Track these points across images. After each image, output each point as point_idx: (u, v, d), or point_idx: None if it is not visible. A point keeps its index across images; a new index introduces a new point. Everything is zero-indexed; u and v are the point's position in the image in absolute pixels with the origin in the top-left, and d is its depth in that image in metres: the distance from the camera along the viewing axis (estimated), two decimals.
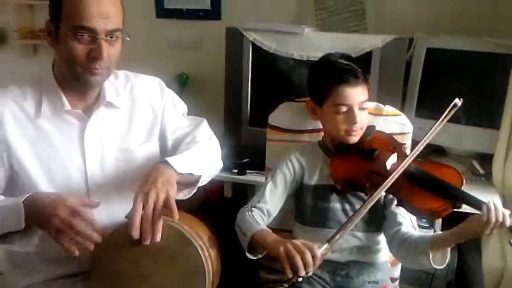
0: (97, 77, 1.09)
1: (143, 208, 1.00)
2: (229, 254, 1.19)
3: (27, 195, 1.04)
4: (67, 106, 1.13)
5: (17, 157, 1.11)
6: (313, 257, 0.96)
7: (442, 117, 1.14)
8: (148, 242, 1.00)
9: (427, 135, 1.13)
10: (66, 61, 1.08)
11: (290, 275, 0.97)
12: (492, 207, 0.98)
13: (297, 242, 0.99)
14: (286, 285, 0.99)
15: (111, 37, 1.07)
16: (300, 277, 0.96)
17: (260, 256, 1.09)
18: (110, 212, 1.15)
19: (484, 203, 1.00)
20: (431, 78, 1.68)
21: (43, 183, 1.12)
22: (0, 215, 1.03)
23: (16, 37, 2.38)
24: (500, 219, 0.97)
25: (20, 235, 1.05)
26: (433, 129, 1.13)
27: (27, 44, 2.38)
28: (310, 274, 0.97)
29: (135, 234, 0.99)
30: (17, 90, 1.14)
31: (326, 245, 1.01)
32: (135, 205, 1.00)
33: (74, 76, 1.09)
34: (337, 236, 1.04)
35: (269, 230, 1.11)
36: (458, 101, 1.14)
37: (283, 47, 1.70)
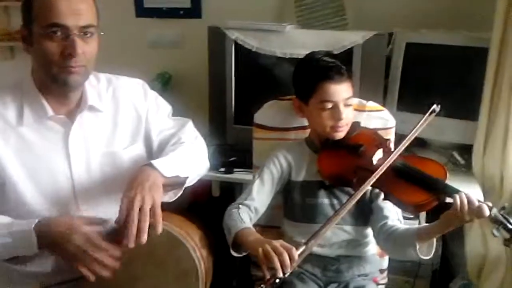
0: (75, 75, 1.07)
1: (129, 214, 0.99)
2: (220, 252, 1.20)
3: (37, 220, 1.03)
4: (50, 112, 1.12)
5: (2, 166, 1.09)
6: (291, 258, 0.97)
7: (421, 122, 1.19)
8: (133, 245, 0.99)
9: (408, 137, 1.17)
10: (42, 63, 1.06)
11: (268, 276, 0.98)
12: (464, 198, 1.01)
13: (276, 243, 1.00)
14: (263, 286, 0.99)
15: (85, 34, 1.06)
16: (278, 278, 0.97)
17: (244, 253, 1.10)
18: (96, 214, 1.13)
19: (458, 194, 1.03)
20: (411, 72, 1.71)
21: (29, 191, 1.11)
22: (12, 240, 1.02)
23: None
24: (473, 209, 1.00)
25: (33, 259, 1.06)
26: (412, 133, 1.18)
27: (3, 46, 2.32)
28: (287, 275, 0.98)
29: (126, 240, 0.98)
30: None
31: (303, 247, 1.03)
32: (121, 211, 1.00)
33: (52, 78, 1.07)
34: (322, 231, 1.06)
35: (252, 229, 1.12)
36: (436, 107, 1.20)
37: (265, 45, 1.70)
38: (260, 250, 0.99)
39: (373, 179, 1.09)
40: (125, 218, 0.99)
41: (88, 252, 0.98)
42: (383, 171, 1.10)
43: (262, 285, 0.99)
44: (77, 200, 1.14)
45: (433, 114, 1.20)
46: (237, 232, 1.09)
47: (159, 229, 1.01)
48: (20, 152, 1.10)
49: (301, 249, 1.02)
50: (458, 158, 1.69)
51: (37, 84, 1.12)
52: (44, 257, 1.09)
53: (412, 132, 1.18)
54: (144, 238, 1.00)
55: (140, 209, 1.00)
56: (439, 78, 1.66)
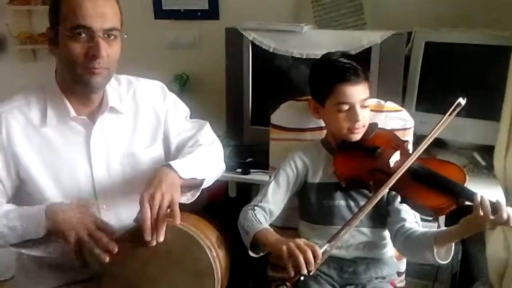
0: (97, 77, 1.09)
1: (148, 211, 1.02)
2: (236, 252, 1.20)
3: (46, 204, 1.07)
4: (72, 113, 1.14)
5: (24, 166, 1.12)
6: (315, 256, 0.98)
7: (445, 116, 1.14)
8: (151, 241, 1.02)
9: (430, 134, 1.14)
10: (67, 64, 1.09)
11: (292, 274, 0.98)
12: (487, 205, 0.99)
13: (299, 241, 1.01)
14: (288, 284, 1.01)
15: (108, 36, 1.08)
16: (302, 275, 0.98)
17: (262, 254, 1.11)
18: (117, 215, 1.17)
19: (483, 200, 1.00)
20: (431, 72, 1.68)
21: (51, 190, 1.14)
22: (22, 222, 1.06)
23: (15, 43, 2.38)
24: (497, 218, 0.97)
25: (40, 242, 1.08)
26: (436, 128, 1.14)
27: (26, 49, 2.37)
28: (312, 273, 0.99)
29: (148, 237, 1.01)
30: (22, 100, 1.15)
31: (327, 245, 1.03)
32: (143, 209, 1.02)
33: (75, 79, 1.10)
34: (341, 234, 1.06)
35: (271, 229, 1.13)
36: (462, 101, 1.15)
37: (283, 45, 1.70)
38: (285, 248, 1.00)
39: (392, 180, 1.08)
40: (144, 215, 1.01)
41: (93, 232, 1.03)
42: (402, 173, 1.08)
43: (286, 283, 1.01)
44: (97, 199, 1.17)
45: (459, 108, 1.15)
46: (256, 233, 1.09)
47: (178, 221, 1.04)
48: (43, 152, 1.13)
49: (324, 247, 1.02)
50: (479, 159, 1.66)
51: (61, 85, 1.15)
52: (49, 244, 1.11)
53: (436, 128, 1.14)
54: (161, 237, 1.02)
55: (159, 207, 1.02)
56: (460, 77, 1.63)
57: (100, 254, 1.02)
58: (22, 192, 1.16)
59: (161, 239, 1.02)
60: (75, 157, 1.16)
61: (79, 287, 1.19)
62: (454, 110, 1.15)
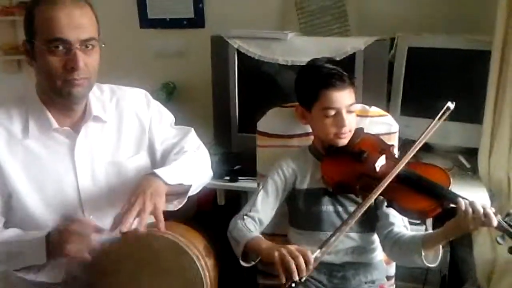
0: (78, 88, 1.08)
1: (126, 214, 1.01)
2: (225, 260, 1.20)
3: (48, 231, 1.06)
4: (54, 124, 1.13)
5: (9, 179, 1.11)
6: (306, 262, 0.99)
7: (434, 121, 1.16)
8: (116, 234, 1.00)
9: (419, 139, 1.15)
10: (46, 77, 1.08)
11: (284, 280, 0.99)
12: (468, 207, 1.01)
13: (291, 247, 1.02)
14: None
15: (86, 47, 1.07)
16: (294, 282, 0.98)
17: (253, 263, 1.10)
18: (104, 224, 1.14)
19: (463, 201, 1.03)
20: (414, 76, 1.71)
21: (36, 203, 1.12)
22: (24, 250, 1.06)
23: (0, 54, 2.36)
24: (478, 217, 0.99)
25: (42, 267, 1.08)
26: (425, 132, 1.15)
27: (11, 60, 2.36)
28: (303, 279, 0.99)
29: (123, 227, 0.99)
30: (2, 113, 1.14)
31: (318, 251, 1.04)
32: (119, 215, 1.02)
33: (56, 91, 1.09)
34: (332, 240, 1.06)
35: (262, 237, 1.13)
36: (450, 105, 1.17)
37: (268, 53, 1.71)
38: (277, 254, 1.00)
39: (380, 188, 1.08)
40: (125, 211, 1.01)
41: (71, 228, 1.02)
42: (390, 179, 1.09)
43: None
44: (83, 210, 1.16)
45: (448, 112, 1.16)
46: (248, 242, 1.09)
47: (162, 227, 1.03)
48: (27, 165, 1.12)
49: (316, 253, 1.03)
50: (464, 162, 1.68)
51: (41, 97, 1.14)
52: (55, 267, 1.10)
53: (425, 132, 1.15)
54: (141, 228, 1.00)
55: (140, 211, 1.01)
56: (443, 81, 1.66)
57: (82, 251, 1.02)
58: (9, 206, 1.13)
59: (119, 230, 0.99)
60: (60, 167, 1.14)
61: None
62: (443, 114, 1.16)
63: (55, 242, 1.04)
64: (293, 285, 0.99)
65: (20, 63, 2.37)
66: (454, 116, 1.59)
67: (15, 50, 2.31)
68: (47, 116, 1.13)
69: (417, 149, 1.14)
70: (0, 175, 1.11)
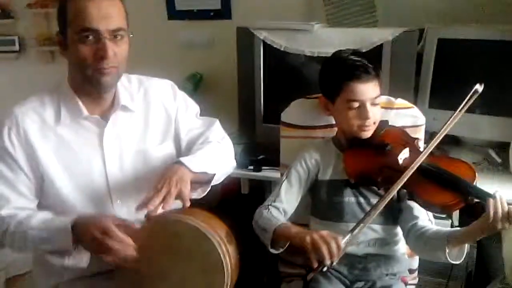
0: (107, 77, 1.12)
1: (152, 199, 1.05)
2: (248, 249, 1.22)
3: (74, 217, 1.10)
4: (85, 112, 1.18)
5: (42, 164, 1.16)
6: (338, 246, 1.00)
7: (462, 104, 1.12)
8: (151, 208, 1.04)
9: (445, 125, 1.12)
10: (77, 66, 1.12)
11: (316, 265, 1.00)
12: (498, 205, 0.98)
13: (323, 232, 1.03)
14: (312, 274, 1.03)
15: (115, 37, 1.11)
16: (325, 266, 0.99)
17: (281, 250, 1.12)
18: (130, 210, 1.19)
19: (491, 197, 1.00)
20: (444, 68, 1.67)
21: (67, 187, 1.17)
22: (52, 236, 1.11)
23: (34, 45, 2.45)
24: (507, 214, 0.97)
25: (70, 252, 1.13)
26: (452, 118, 1.12)
27: (44, 51, 2.45)
28: (334, 263, 1.00)
29: (151, 205, 1.03)
30: (36, 101, 1.19)
31: (348, 235, 1.05)
32: (145, 200, 1.06)
33: (86, 80, 1.13)
34: (358, 229, 1.07)
35: (290, 223, 1.14)
36: (479, 87, 1.12)
37: (294, 44, 1.71)
38: (308, 238, 1.01)
39: (404, 178, 1.07)
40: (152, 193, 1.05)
41: (103, 243, 1.04)
42: (413, 170, 1.08)
43: (310, 273, 1.03)
44: (111, 196, 1.20)
45: (476, 95, 1.12)
46: (276, 228, 1.11)
47: (187, 204, 1.08)
48: (59, 150, 1.17)
49: (346, 238, 1.04)
50: (494, 156, 1.64)
51: (73, 86, 1.19)
52: (81, 252, 1.15)
53: (452, 117, 1.11)
54: (164, 207, 1.04)
55: (166, 194, 1.05)
56: (473, 74, 1.61)
57: (118, 261, 1.05)
58: (41, 191, 1.19)
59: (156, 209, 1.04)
60: (89, 154, 1.19)
61: (93, 280, 1.23)
62: (471, 97, 1.12)
63: (89, 249, 1.10)
64: (324, 269, 1.00)
65: (53, 54, 2.45)
66: (485, 109, 1.57)
67: (49, 41, 2.39)
68: (78, 104, 1.17)
69: (442, 136, 1.11)
70: (34, 159, 1.16)
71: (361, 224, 1.08)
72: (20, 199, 1.16)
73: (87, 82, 1.14)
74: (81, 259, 1.18)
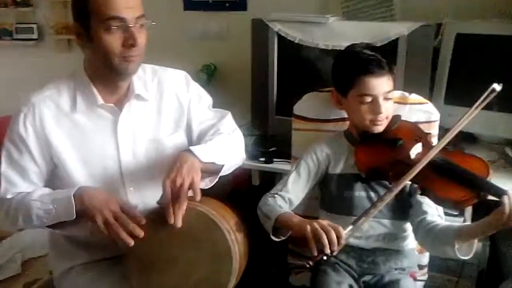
0: (133, 64, 1.14)
1: (170, 194, 1.07)
2: (258, 240, 1.23)
3: (77, 187, 1.14)
4: (100, 100, 1.20)
5: (56, 150, 1.19)
6: (338, 236, 1.00)
7: (478, 102, 1.09)
8: (172, 222, 1.06)
9: (460, 122, 1.10)
10: (103, 55, 1.13)
11: (316, 253, 1.00)
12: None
13: (323, 221, 1.03)
14: (311, 262, 1.03)
15: (139, 25, 1.13)
16: (325, 255, 1.00)
17: (283, 238, 1.13)
18: (142, 197, 1.22)
19: (505, 193, 0.99)
20: (461, 64, 1.64)
21: (81, 173, 1.19)
22: (55, 206, 1.13)
23: (52, 33, 2.49)
24: None
25: (70, 223, 1.14)
26: (467, 115, 1.10)
27: (62, 39, 2.48)
28: (335, 253, 1.01)
29: (171, 220, 1.06)
30: (53, 89, 1.21)
31: (350, 227, 1.05)
32: (165, 192, 1.07)
33: (112, 68, 1.14)
34: (361, 221, 1.07)
35: (292, 212, 1.15)
36: (497, 86, 1.09)
37: (308, 37, 1.70)
38: (309, 227, 1.02)
39: (412, 173, 1.07)
40: (166, 199, 1.07)
41: (118, 216, 1.07)
42: (422, 165, 1.07)
43: (309, 262, 1.03)
44: (124, 182, 1.22)
45: (493, 95, 1.08)
46: (278, 216, 1.12)
47: (198, 198, 1.10)
48: (73, 137, 1.19)
49: (348, 229, 1.04)
50: (511, 154, 1.61)
51: (89, 75, 1.20)
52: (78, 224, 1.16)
53: (466, 115, 1.09)
54: (181, 215, 1.07)
55: (180, 187, 1.07)
56: (492, 70, 1.58)
57: (126, 238, 1.07)
58: (54, 176, 1.22)
59: (180, 220, 1.06)
60: (103, 141, 1.21)
61: (106, 264, 1.26)
62: (488, 96, 1.09)
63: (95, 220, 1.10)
64: (324, 258, 1.00)
65: (70, 43, 2.48)
66: (502, 107, 1.55)
67: (67, 30, 2.43)
68: (93, 93, 1.19)
69: (456, 132, 1.09)
70: (47, 147, 1.18)
71: (363, 218, 1.07)
72: (27, 185, 1.19)
73: (112, 71, 1.15)
74: (80, 229, 1.19)
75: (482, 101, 1.10)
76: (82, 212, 1.11)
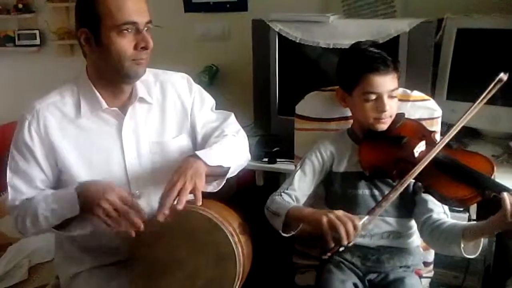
0: (142, 67, 1.17)
1: (168, 193, 1.07)
2: (262, 241, 1.23)
3: (78, 183, 1.15)
4: (104, 105, 1.20)
5: (61, 156, 1.19)
6: (354, 227, 1.00)
7: (485, 93, 1.08)
8: (161, 219, 1.06)
9: (466, 114, 1.09)
10: (114, 59, 1.13)
11: (332, 245, 1.00)
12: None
13: (339, 212, 1.03)
14: (329, 254, 1.03)
15: (147, 29, 1.15)
16: (342, 246, 1.00)
17: (293, 233, 1.13)
18: (148, 201, 1.22)
19: (507, 190, 0.98)
20: (463, 59, 1.64)
21: (86, 179, 1.19)
22: (59, 203, 1.14)
23: (54, 38, 2.50)
24: None
25: (76, 223, 1.16)
26: (472, 108, 1.09)
27: (64, 44, 2.49)
28: (351, 244, 1.01)
29: (160, 216, 1.06)
30: (56, 95, 1.22)
31: (366, 217, 1.05)
32: (163, 194, 1.08)
33: (121, 72, 1.15)
34: (378, 210, 1.07)
35: (302, 206, 1.15)
36: (503, 75, 1.08)
37: (309, 36, 1.70)
38: (325, 218, 1.02)
39: (417, 170, 1.07)
40: (166, 194, 1.07)
41: (118, 207, 1.07)
42: (428, 161, 1.07)
43: (328, 253, 1.03)
44: (130, 187, 1.23)
45: (500, 84, 1.08)
46: (289, 210, 1.11)
47: (199, 203, 1.09)
48: (78, 142, 1.20)
49: (363, 220, 1.04)
50: None
51: (93, 80, 1.21)
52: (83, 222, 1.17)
53: (472, 108, 1.08)
54: (168, 211, 1.06)
55: (181, 190, 1.07)
56: (493, 65, 1.56)
57: (126, 228, 1.07)
58: (60, 182, 1.23)
59: (161, 215, 1.05)
60: (108, 146, 1.22)
61: (112, 268, 1.26)
62: (494, 86, 1.08)
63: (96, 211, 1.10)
64: (341, 249, 1.00)
65: (72, 48, 2.49)
66: (506, 101, 1.54)
67: (69, 35, 2.44)
68: (97, 98, 1.20)
69: (459, 127, 1.09)
70: (52, 153, 1.19)
71: (384, 202, 1.07)
72: (34, 192, 1.20)
73: (120, 74, 1.16)
74: (85, 228, 1.19)
75: (489, 92, 1.09)
76: (84, 206, 1.11)
